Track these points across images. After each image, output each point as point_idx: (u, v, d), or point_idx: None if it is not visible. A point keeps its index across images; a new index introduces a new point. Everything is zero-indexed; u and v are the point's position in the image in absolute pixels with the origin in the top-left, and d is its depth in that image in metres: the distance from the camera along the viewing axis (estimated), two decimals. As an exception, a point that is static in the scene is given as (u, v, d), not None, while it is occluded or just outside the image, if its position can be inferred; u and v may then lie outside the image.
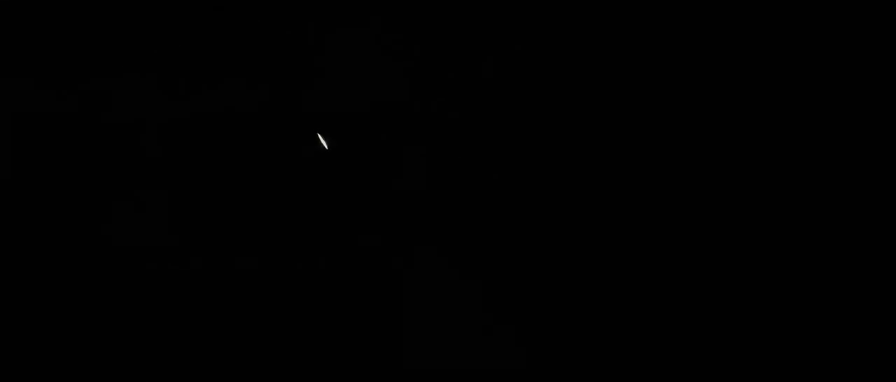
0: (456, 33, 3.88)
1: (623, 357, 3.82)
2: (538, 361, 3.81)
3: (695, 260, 3.85)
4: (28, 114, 3.85)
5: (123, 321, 3.83)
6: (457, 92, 3.87)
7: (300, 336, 3.83)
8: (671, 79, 3.87)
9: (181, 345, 3.82)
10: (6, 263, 3.83)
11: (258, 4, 3.88)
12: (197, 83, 3.86)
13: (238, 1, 3.88)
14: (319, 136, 3.50)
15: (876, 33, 3.84)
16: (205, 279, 3.85)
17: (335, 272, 3.84)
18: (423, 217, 3.85)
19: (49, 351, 3.81)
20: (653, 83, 3.87)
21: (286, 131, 3.86)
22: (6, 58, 3.86)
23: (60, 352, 3.81)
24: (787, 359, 3.82)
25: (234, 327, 3.84)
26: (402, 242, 3.84)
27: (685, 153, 3.87)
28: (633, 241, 3.85)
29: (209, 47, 3.87)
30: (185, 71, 3.86)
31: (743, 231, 3.86)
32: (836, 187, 3.85)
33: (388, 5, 3.87)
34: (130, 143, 3.86)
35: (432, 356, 3.81)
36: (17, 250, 3.84)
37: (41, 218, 3.85)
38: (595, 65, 3.88)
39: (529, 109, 3.87)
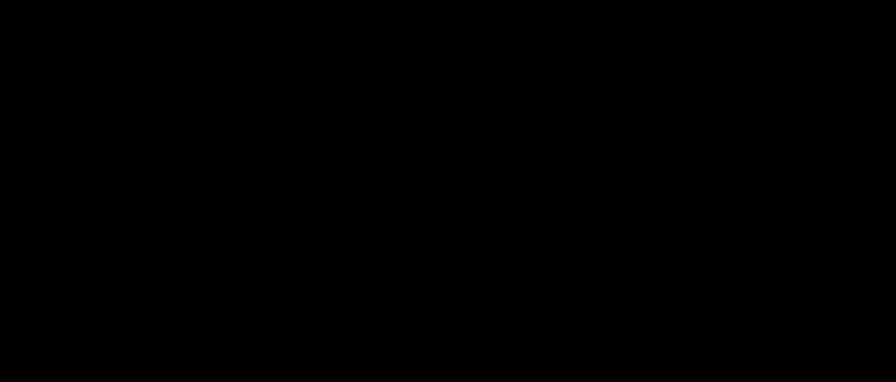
0: (456, 33, 3.88)
1: (623, 357, 3.81)
2: (538, 362, 3.81)
3: (695, 260, 3.84)
4: (28, 114, 3.88)
5: (123, 321, 3.84)
6: (458, 91, 3.87)
7: (300, 336, 3.84)
8: (672, 80, 3.88)
9: (181, 346, 3.84)
10: (6, 263, 3.86)
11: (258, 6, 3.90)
12: (197, 83, 3.88)
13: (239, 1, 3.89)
14: None
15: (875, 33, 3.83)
16: (204, 280, 3.86)
17: (336, 273, 3.85)
18: (424, 217, 3.86)
19: (48, 351, 3.83)
20: (653, 83, 3.88)
21: (286, 132, 3.87)
22: (6, 57, 3.89)
23: (60, 352, 3.83)
24: (786, 359, 3.80)
25: (233, 327, 3.85)
26: (403, 242, 3.85)
27: (685, 153, 3.87)
28: (634, 241, 3.85)
29: (209, 48, 3.89)
30: (186, 70, 3.88)
31: (743, 231, 3.85)
32: (835, 187, 3.84)
33: (388, 5, 3.88)
34: (130, 143, 3.88)
35: (432, 356, 3.81)
36: (17, 250, 3.87)
37: (41, 218, 3.88)
38: (595, 64, 3.88)
39: (529, 109, 3.88)
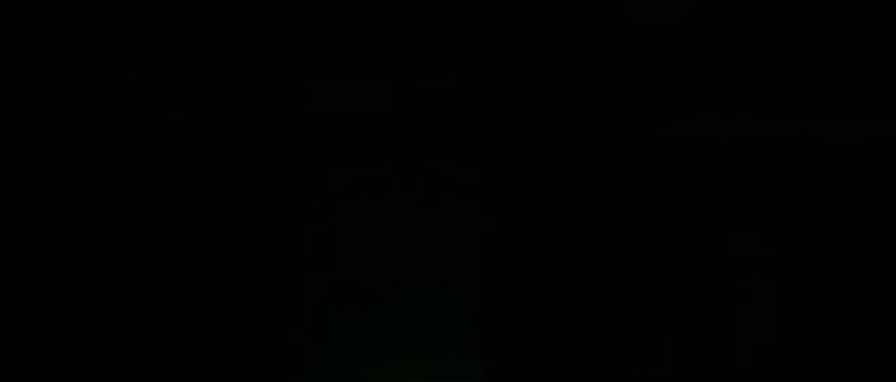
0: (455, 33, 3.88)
1: (625, 359, 3.82)
2: (539, 362, 3.82)
3: (697, 261, 3.86)
4: (28, 114, 3.84)
5: (116, 322, 3.82)
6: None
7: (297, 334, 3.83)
8: (672, 82, 3.88)
9: (177, 347, 3.82)
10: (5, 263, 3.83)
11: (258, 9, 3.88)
12: (197, 83, 3.85)
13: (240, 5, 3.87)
14: None
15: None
16: (201, 281, 3.84)
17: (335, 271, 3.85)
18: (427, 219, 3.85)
19: (43, 351, 3.80)
20: (653, 87, 3.88)
21: (284, 132, 3.85)
22: (6, 57, 3.84)
23: (55, 352, 3.80)
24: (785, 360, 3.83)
25: (227, 328, 3.82)
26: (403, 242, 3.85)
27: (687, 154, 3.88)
28: (635, 243, 3.86)
29: (209, 51, 3.86)
30: (185, 71, 3.86)
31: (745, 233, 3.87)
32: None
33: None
34: (132, 143, 3.85)
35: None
36: (15, 250, 3.83)
37: (40, 218, 3.84)
38: (594, 65, 3.88)
39: (529, 109, 3.87)
